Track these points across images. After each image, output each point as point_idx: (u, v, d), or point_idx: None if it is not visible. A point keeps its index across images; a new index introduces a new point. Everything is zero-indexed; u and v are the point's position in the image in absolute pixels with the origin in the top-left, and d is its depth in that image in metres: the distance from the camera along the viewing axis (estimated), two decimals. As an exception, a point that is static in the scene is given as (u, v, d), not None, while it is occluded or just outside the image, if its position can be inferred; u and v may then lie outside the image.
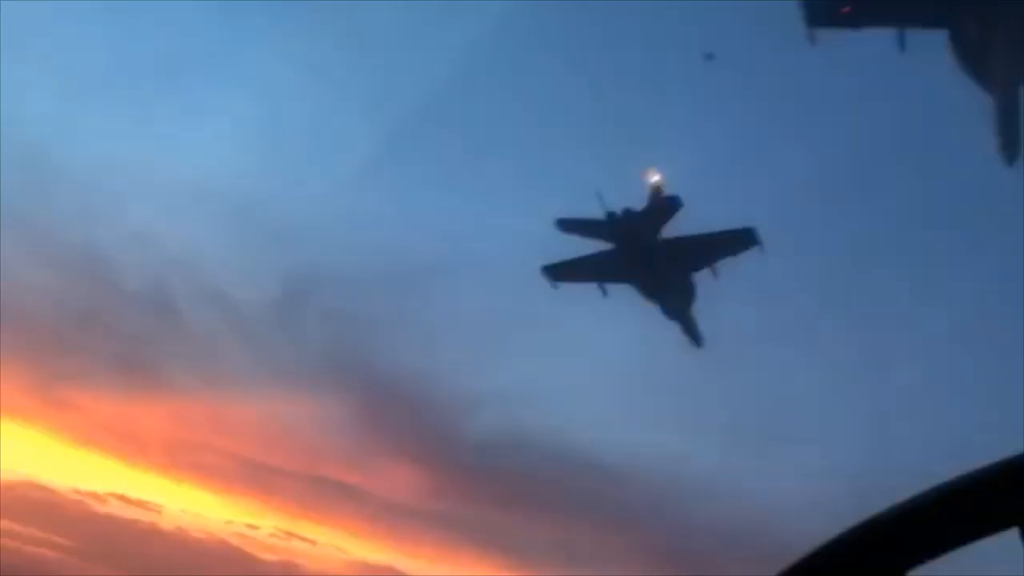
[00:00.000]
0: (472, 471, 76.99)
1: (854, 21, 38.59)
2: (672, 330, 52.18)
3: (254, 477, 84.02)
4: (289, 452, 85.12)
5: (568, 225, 46.82)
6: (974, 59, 39.58)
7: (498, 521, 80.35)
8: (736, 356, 66.23)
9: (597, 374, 73.94)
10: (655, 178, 45.25)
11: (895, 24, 38.53)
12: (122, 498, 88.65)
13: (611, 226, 45.85)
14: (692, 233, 46.79)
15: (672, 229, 46.82)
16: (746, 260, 47.49)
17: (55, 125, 71.09)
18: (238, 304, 72.87)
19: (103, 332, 74.75)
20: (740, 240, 46.67)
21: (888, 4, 38.31)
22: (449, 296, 73.68)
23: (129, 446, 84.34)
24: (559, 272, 49.18)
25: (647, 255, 46.80)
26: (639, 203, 45.76)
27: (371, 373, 74.48)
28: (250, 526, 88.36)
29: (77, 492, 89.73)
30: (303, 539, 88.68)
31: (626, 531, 74.07)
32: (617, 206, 45.74)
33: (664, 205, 45.64)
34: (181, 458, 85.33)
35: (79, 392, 77.14)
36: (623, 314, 54.34)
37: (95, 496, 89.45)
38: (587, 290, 50.11)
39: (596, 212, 45.97)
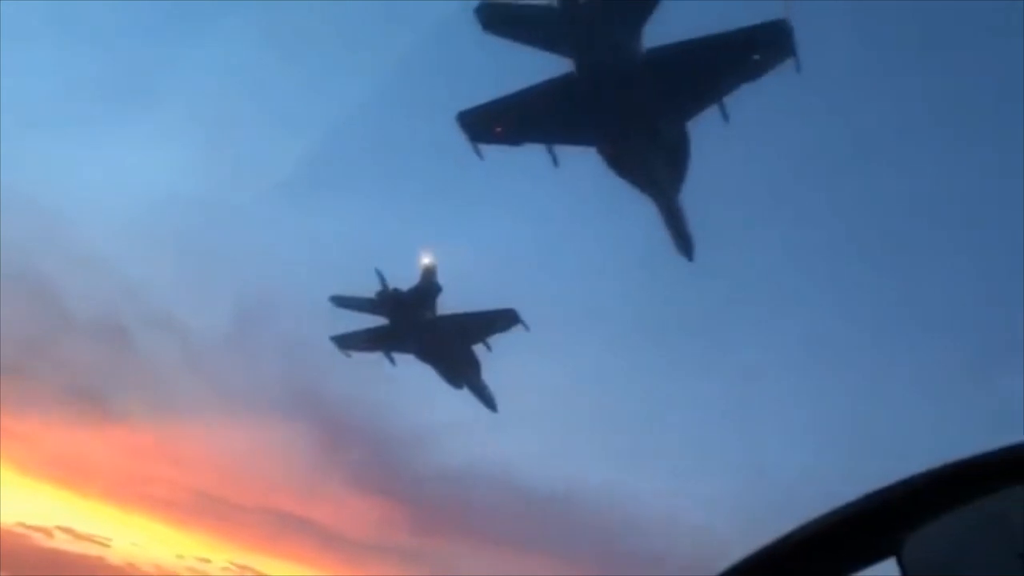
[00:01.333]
0: (427, 503, 75.41)
1: (510, 139, 39.19)
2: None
3: (206, 510, 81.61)
4: (242, 484, 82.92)
5: (341, 302, 49.72)
6: (625, 172, 40.37)
7: (456, 553, 78.65)
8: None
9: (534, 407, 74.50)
10: (427, 260, 48.13)
11: (544, 142, 38.90)
12: (70, 531, 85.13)
13: (380, 304, 48.49)
14: (459, 312, 49.05)
15: (445, 307, 49.93)
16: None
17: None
18: (189, 331, 71.20)
19: (49, 359, 72.60)
20: (504, 319, 48.66)
21: (530, 127, 38.69)
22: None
23: (77, 477, 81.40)
24: (347, 342, 51.45)
25: (416, 331, 49.32)
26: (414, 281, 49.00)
27: (325, 403, 72.86)
28: (202, 560, 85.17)
29: (22, 526, 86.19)
30: (257, 573, 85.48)
31: (578, 559, 73.72)
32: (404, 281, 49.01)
33: (430, 287, 48.69)
34: (131, 490, 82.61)
35: (23, 421, 74.20)
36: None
37: (41, 530, 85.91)
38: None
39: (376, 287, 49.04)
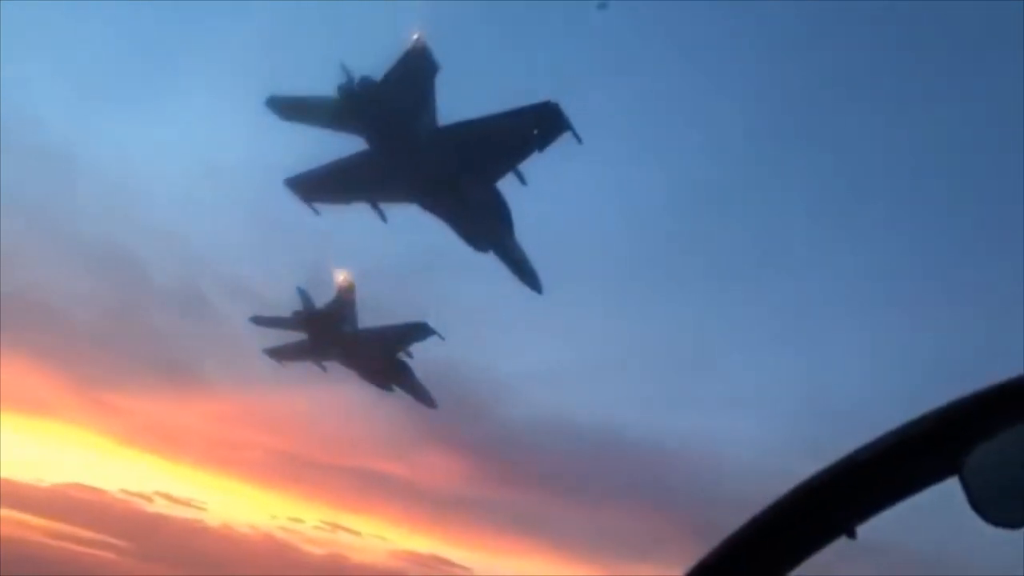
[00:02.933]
0: (511, 456, 76.87)
1: (335, 201, 40.92)
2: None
3: (297, 472, 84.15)
4: (330, 446, 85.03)
5: (261, 321, 50.80)
6: (450, 225, 42.39)
7: (538, 504, 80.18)
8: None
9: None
10: (341, 278, 49.80)
11: (366, 202, 40.87)
12: (168, 497, 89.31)
13: (298, 322, 49.58)
14: (374, 327, 50.17)
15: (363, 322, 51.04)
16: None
17: (73, 123, 70.78)
18: (264, 298, 72.51)
19: (139, 331, 74.83)
20: (417, 331, 49.61)
21: (347, 191, 40.62)
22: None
23: (172, 445, 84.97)
24: (278, 354, 52.75)
25: (335, 345, 50.52)
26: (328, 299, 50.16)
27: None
28: (294, 519, 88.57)
29: (125, 492, 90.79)
30: (348, 531, 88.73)
31: (662, 511, 74.75)
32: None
33: (344, 304, 49.77)
34: (223, 455, 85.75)
35: (119, 393, 77.58)
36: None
37: (142, 496, 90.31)
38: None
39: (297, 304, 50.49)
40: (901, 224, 79.12)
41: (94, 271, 69.24)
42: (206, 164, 70.06)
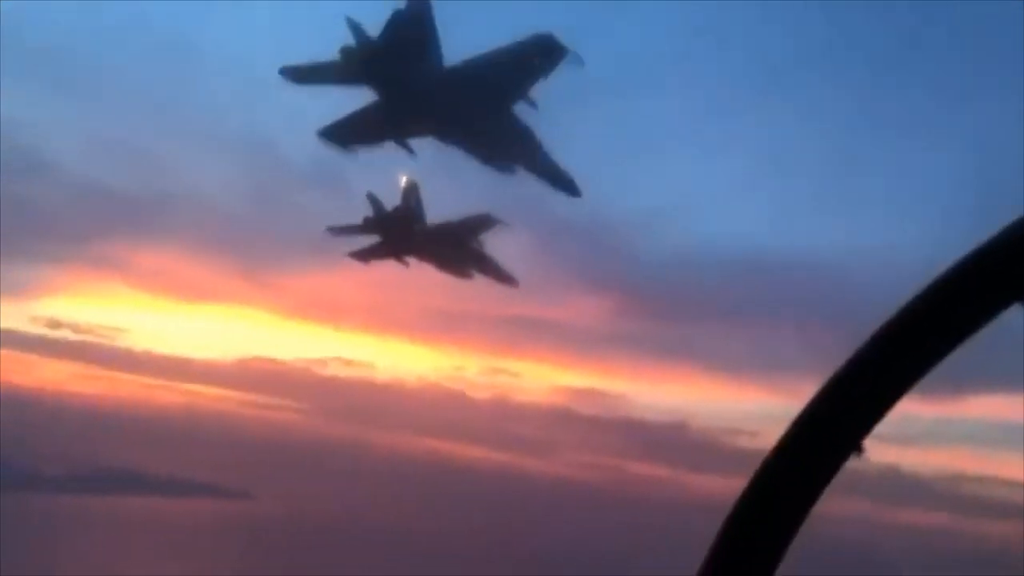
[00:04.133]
0: (658, 289, 78.69)
1: (365, 143, 45.32)
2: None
3: (455, 325, 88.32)
4: (484, 298, 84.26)
5: (337, 230, 55.65)
6: (479, 158, 46.00)
7: (686, 332, 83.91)
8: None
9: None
10: (406, 182, 53.40)
11: (393, 141, 44.98)
12: (340, 360, 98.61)
13: (370, 226, 53.97)
14: (440, 222, 53.97)
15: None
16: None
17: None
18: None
19: (290, 213, 74.29)
20: (482, 222, 53.11)
21: (373, 134, 44.67)
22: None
23: (336, 313, 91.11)
24: (361, 256, 57.56)
25: (406, 243, 54.95)
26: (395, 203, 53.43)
27: (542, 205, 74.76)
28: (458, 368, 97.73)
29: (301, 360, 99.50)
30: (509, 373, 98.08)
31: (805, 326, 74.26)
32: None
33: (409, 204, 53.41)
34: (385, 317, 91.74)
35: (281, 271, 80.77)
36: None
37: (317, 362, 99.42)
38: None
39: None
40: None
41: (238, 161, 71.84)
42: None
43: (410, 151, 46.52)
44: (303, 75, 42.94)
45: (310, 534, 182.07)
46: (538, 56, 40.16)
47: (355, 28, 41.32)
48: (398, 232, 54.42)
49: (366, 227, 54.97)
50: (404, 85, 41.62)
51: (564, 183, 49.39)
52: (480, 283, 73.31)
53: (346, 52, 41.37)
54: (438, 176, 58.63)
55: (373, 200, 54.14)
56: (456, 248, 54.89)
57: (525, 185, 59.19)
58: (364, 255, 58.00)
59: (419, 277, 79.18)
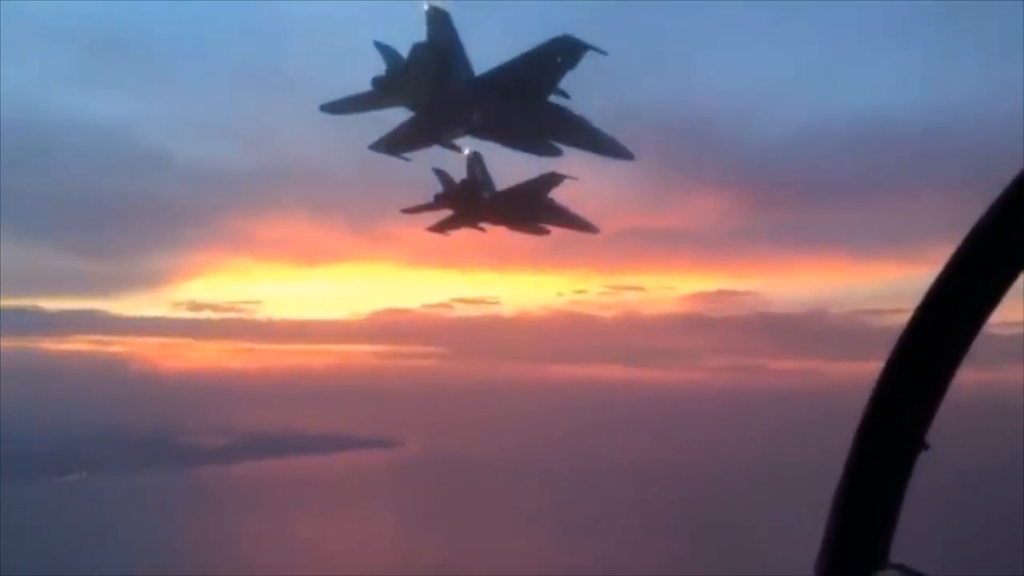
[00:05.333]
0: (773, 175, 75.74)
1: (414, 149, 47.50)
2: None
3: (568, 249, 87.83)
4: (594, 214, 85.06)
5: (411, 210, 56.74)
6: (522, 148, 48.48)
7: (814, 217, 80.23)
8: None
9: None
10: (469, 153, 53.41)
11: (441, 145, 47.36)
12: (464, 300, 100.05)
13: (442, 202, 54.86)
14: (507, 188, 54.48)
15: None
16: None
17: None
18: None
19: (396, 165, 78.35)
20: (549, 181, 52.50)
21: (423, 141, 46.70)
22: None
23: (451, 256, 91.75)
24: (438, 229, 58.04)
25: (479, 211, 55.40)
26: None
27: (642, 112, 72.36)
28: (579, 292, 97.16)
29: (426, 307, 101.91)
30: (632, 289, 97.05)
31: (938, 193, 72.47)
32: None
33: (476, 174, 54.25)
34: (500, 252, 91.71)
35: (393, 224, 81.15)
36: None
37: (442, 305, 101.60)
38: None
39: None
40: None
41: (339, 127, 72.02)
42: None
43: (458, 150, 49.81)
44: (343, 107, 45.62)
45: (457, 471, 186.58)
46: (560, 55, 42.55)
47: (384, 50, 43.77)
48: (469, 203, 55.62)
49: (438, 203, 55.90)
50: (437, 102, 44.79)
51: (615, 150, 50.88)
52: (590, 204, 74.04)
53: (377, 82, 43.74)
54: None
55: (441, 175, 54.81)
56: (529, 208, 55.90)
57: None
58: (442, 227, 58.61)
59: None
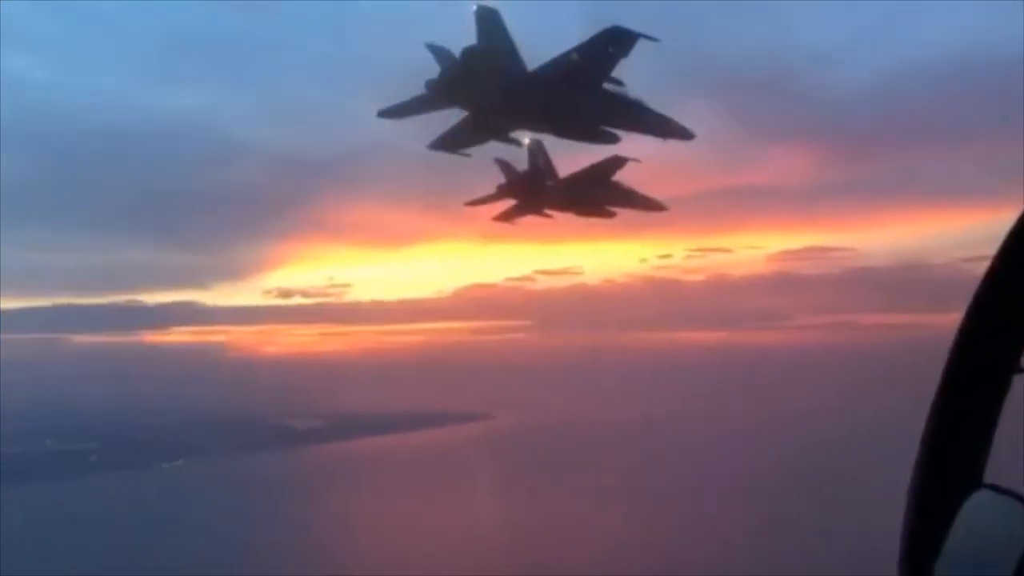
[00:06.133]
0: (858, 125, 73.13)
1: (474, 144, 47.80)
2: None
3: (647, 215, 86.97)
4: (670, 177, 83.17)
5: (474, 202, 56.98)
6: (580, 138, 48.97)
7: (904, 165, 76.87)
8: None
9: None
10: (528, 141, 53.02)
11: (499, 140, 47.50)
12: (546, 272, 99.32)
13: (504, 192, 54.63)
14: (571, 173, 54.26)
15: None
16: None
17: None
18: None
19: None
20: (613, 164, 51.85)
21: (482, 136, 46.83)
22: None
23: (530, 229, 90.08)
24: (504, 217, 58.04)
25: (543, 200, 55.19)
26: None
27: (722, 65, 71.39)
28: (664, 256, 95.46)
29: (510, 280, 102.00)
30: (719, 251, 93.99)
31: None
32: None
33: (537, 162, 54.16)
34: (574, 224, 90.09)
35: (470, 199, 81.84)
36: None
37: (525, 279, 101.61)
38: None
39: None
40: None
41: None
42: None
43: (517, 144, 50.10)
44: (399, 112, 46.57)
45: (551, 441, 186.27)
46: (611, 46, 43.07)
47: (437, 52, 44.24)
48: (533, 192, 55.59)
49: (501, 194, 55.69)
50: (492, 101, 45.53)
51: (674, 131, 50.77)
52: (669, 166, 73.80)
53: (431, 85, 44.44)
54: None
55: (504, 165, 54.21)
56: (594, 192, 55.46)
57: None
58: (507, 216, 58.58)
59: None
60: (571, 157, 55.46)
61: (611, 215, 57.73)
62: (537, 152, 54.40)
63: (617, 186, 55.21)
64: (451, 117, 47.88)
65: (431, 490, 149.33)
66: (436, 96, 44.48)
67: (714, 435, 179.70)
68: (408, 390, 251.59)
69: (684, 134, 51.34)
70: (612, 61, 43.47)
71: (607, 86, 45.80)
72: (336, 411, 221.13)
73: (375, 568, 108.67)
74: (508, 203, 57.17)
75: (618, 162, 51.73)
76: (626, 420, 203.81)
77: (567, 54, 43.80)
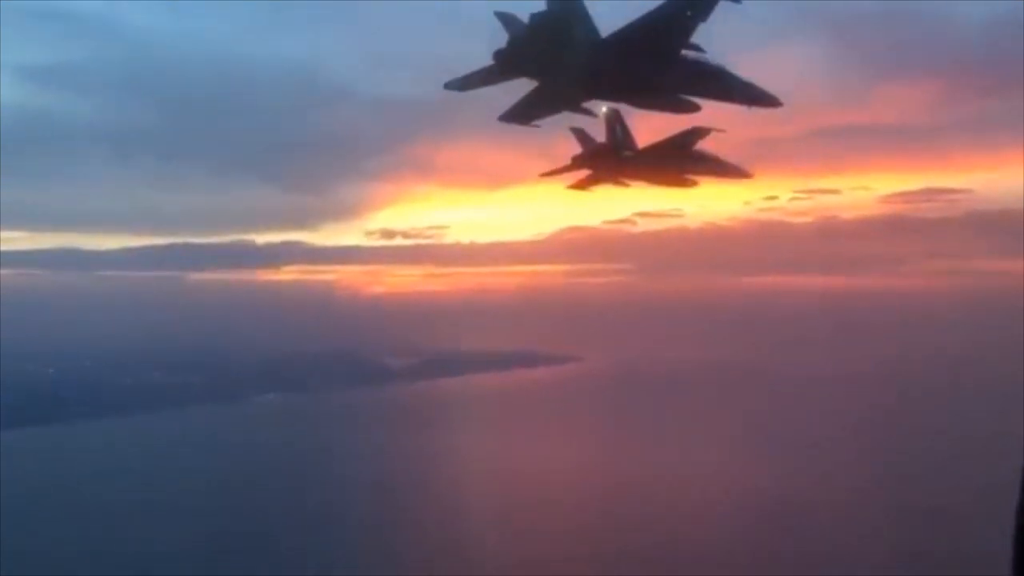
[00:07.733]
0: (981, 60, 67.74)
1: (546, 115, 44.26)
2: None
3: (751, 153, 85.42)
4: (775, 117, 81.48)
5: (549, 173, 53.48)
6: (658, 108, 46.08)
7: None
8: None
9: None
10: (604, 110, 49.30)
11: (574, 111, 44.85)
12: (645, 215, 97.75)
13: (580, 162, 51.25)
14: (649, 144, 50.43)
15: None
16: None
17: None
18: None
19: None
20: (693, 135, 48.73)
21: (553, 108, 43.74)
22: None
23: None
24: (579, 186, 54.75)
25: (620, 170, 52.31)
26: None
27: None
28: (769, 199, 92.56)
29: (608, 223, 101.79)
30: (827, 192, 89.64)
31: None
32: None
33: (617, 135, 50.83)
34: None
35: (568, 141, 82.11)
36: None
37: (625, 221, 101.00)
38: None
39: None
40: None
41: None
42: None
43: (592, 115, 47.15)
44: (466, 84, 43.56)
45: (638, 384, 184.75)
46: (690, 9, 40.23)
47: (505, 19, 41.54)
48: (610, 162, 52.77)
49: (576, 164, 53.03)
50: (564, 69, 42.83)
51: (759, 98, 46.99)
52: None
53: (498, 55, 41.54)
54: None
55: (580, 135, 51.50)
56: (674, 162, 52.58)
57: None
58: (583, 184, 55.86)
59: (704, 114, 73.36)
60: (649, 125, 54.27)
61: (693, 184, 54.67)
62: (615, 121, 51.67)
63: (700, 155, 52.14)
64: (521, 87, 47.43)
65: (515, 427, 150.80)
66: (505, 66, 41.89)
67: (822, 381, 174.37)
68: (504, 331, 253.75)
69: (771, 101, 47.17)
70: (691, 25, 40.61)
71: (687, 53, 42.35)
72: (432, 349, 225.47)
73: (454, 504, 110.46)
74: (584, 173, 57.84)
75: (700, 132, 49.08)
76: (727, 364, 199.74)
77: (642, 18, 40.18)
